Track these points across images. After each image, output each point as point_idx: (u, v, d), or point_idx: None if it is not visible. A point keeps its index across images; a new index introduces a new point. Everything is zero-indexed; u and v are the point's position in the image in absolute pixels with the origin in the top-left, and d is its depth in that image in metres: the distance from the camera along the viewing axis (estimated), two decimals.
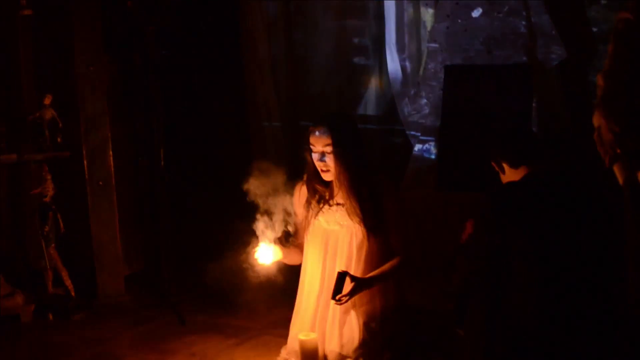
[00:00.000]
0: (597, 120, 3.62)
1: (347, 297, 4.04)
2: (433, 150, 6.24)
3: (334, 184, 4.29)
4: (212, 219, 6.00)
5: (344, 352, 4.14)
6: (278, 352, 4.43)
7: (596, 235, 3.97)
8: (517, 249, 3.92)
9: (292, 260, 4.40)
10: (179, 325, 5.12)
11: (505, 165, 4.10)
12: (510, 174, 4.10)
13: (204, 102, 6.63)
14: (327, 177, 4.23)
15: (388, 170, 5.61)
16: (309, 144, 4.20)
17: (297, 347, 4.16)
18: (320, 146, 4.15)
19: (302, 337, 4.07)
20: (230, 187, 5.69)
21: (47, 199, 5.34)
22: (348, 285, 4.05)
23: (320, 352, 4.16)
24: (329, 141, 4.12)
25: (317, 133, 4.16)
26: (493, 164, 4.17)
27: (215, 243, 5.59)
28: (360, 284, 4.08)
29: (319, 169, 4.21)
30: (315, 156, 4.19)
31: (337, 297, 4.04)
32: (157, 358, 4.64)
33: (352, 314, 4.19)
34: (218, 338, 4.89)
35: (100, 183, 5.54)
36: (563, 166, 4.40)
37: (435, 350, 4.41)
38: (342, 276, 4.05)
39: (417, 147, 6.34)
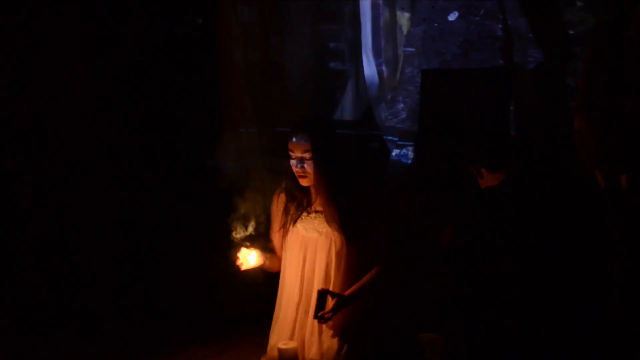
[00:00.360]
0: (577, 123, 3.61)
1: (329, 314, 4.00)
2: (411, 155, 6.20)
3: (313, 191, 4.25)
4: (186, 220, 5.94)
5: None
6: None
7: (576, 239, 3.97)
8: (498, 254, 3.91)
9: (271, 266, 4.34)
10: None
11: (483, 170, 4.08)
12: (488, 179, 4.09)
13: (177, 107, 6.56)
14: (305, 182, 4.17)
15: (365, 176, 5.56)
16: (287, 149, 4.15)
17: (276, 356, 4.09)
18: (299, 152, 4.09)
19: (281, 346, 4.01)
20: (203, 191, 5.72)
21: None
22: (330, 303, 4.01)
23: None
24: (307, 147, 4.08)
25: (295, 139, 4.11)
26: (471, 169, 4.16)
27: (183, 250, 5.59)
28: (342, 301, 4.04)
29: (297, 175, 4.15)
30: (293, 162, 4.13)
31: (319, 315, 3.99)
32: None
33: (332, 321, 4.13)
34: (197, 347, 4.81)
35: None
36: (541, 171, 4.38)
37: (417, 357, 4.39)
38: (322, 294, 4.01)
39: (395, 152, 6.31)
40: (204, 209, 5.59)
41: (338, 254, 4.18)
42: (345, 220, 4.16)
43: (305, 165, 4.10)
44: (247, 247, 4.19)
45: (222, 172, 5.76)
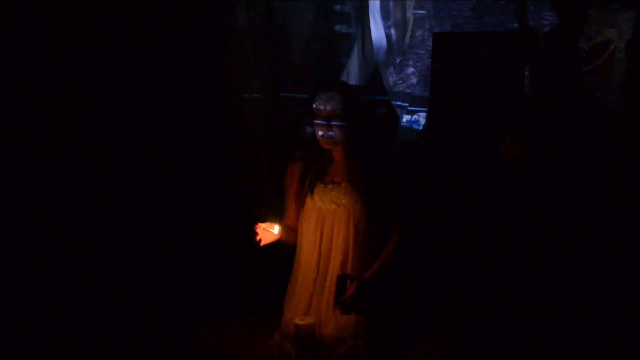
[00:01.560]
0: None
1: (350, 300, 3.86)
2: (422, 121, 6.07)
3: (330, 161, 4.13)
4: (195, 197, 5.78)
5: (343, 336, 3.96)
6: (271, 336, 4.23)
7: (605, 210, 3.84)
8: (522, 226, 3.78)
9: (288, 239, 4.19)
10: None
11: (507, 138, 3.93)
12: (512, 147, 3.94)
13: (179, 72, 6.37)
14: (328, 144, 4.04)
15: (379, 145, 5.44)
16: (310, 112, 4.03)
17: (292, 332, 3.95)
18: (327, 112, 3.98)
19: (298, 321, 3.86)
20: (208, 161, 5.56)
21: None
22: (350, 287, 3.88)
23: (317, 337, 3.95)
24: (337, 106, 3.97)
25: (324, 99, 4.00)
26: (493, 136, 4.00)
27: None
28: (362, 285, 3.91)
29: (322, 137, 4.02)
30: (318, 124, 4.00)
31: (339, 300, 3.86)
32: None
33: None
34: (207, 320, 4.67)
35: None
36: (566, 139, 4.22)
37: (435, 330, 4.27)
38: (342, 279, 3.90)
39: (405, 118, 6.17)
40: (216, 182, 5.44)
41: (356, 227, 4.05)
42: (367, 189, 4.02)
43: (333, 127, 3.98)
44: (265, 222, 4.04)
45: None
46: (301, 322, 3.85)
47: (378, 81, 6.42)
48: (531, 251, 3.83)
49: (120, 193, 5.24)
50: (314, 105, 4.02)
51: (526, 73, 5.64)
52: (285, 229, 4.11)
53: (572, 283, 3.86)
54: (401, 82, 6.25)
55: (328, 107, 3.98)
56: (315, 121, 4.02)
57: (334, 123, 3.98)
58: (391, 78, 6.30)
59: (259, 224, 4.00)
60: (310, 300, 4.11)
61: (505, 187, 3.90)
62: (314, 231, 4.13)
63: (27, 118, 4.97)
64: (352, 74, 6.80)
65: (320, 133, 4.02)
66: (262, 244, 4.01)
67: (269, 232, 4.02)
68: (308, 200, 4.14)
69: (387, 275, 4.05)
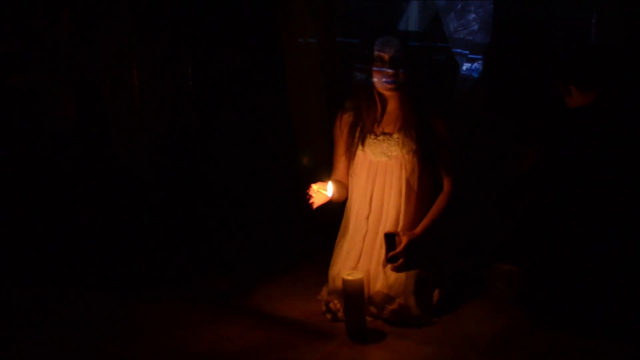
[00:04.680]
0: None
1: (401, 255, 3.75)
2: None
3: (385, 108, 4.00)
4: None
5: (392, 293, 3.86)
6: (318, 291, 4.13)
7: None
8: (587, 181, 3.59)
9: (339, 196, 4.07)
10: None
11: (572, 88, 3.72)
12: (578, 98, 3.74)
13: (232, 20, 6.21)
14: (391, 90, 3.92)
15: (434, 92, 5.27)
16: (365, 58, 3.90)
17: (340, 287, 3.82)
18: (391, 52, 3.85)
19: (346, 276, 3.72)
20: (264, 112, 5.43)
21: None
22: (400, 243, 3.77)
23: (365, 294, 3.81)
24: (399, 49, 3.85)
25: (385, 41, 3.87)
26: (558, 85, 3.80)
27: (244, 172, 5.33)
28: (413, 240, 3.79)
29: (384, 82, 3.88)
30: (379, 69, 3.86)
31: (389, 256, 3.76)
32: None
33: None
34: (249, 275, 4.59)
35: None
36: (635, 90, 3.99)
37: (489, 286, 4.17)
38: (390, 237, 3.79)
39: (465, 66, 5.95)
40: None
41: (407, 181, 3.94)
42: (420, 140, 3.90)
43: (396, 71, 3.85)
44: (317, 182, 3.93)
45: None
46: (349, 278, 3.71)
47: (438, 27, 6.19)
48: (595, 208, 3.63)
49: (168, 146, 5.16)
50: (374, 48, 3.87)
51: (593, 21, 5.39)
52: (335, 184, 3.96)
53: (636, 244, 3.67)
54: (462, 28, 6.02)
55: (390, 51, 3.85)
56: (375, 67, 3.87)
57: (397, 66, 3.84)
58: (451, 24, 6.07)
59: (312, 186, 3.87)
60: (360, 255, 4.01)
61: (570, 139, 3.69)
62: (365, 185, 4.01)
63: None
64: (411, 19, 6.58)
65: (380, 79, 3.88)
66: (315, 206, 3.91)
67: (322, 193, 3.89)
68: (358, 152, 4.02)
69: (439, 229, 3.91)
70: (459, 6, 6.06)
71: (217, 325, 3.97)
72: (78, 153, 5.07)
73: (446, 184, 4.00)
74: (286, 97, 5.64)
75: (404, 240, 3.78)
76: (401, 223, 3.94)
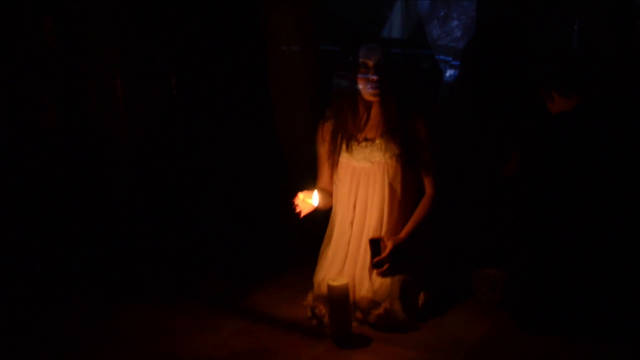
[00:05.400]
0: None
1: (386, 260, 3.81)
2: None
3: (367, 114, 4.01)
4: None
5: (377, 298, 3.86)
6: (304, 297, 4.13)
7: None
8: (571, 186, 3.61)
9: (324, 204, 4.09)
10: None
11: (554, 94, 3.75)
12: (560, 103, 3.77)
13: (216, 27, 6.21)
14: (374, 97, 3.94)
15: (420, 99, 5.29)
16: (348, 65, 3.93)
17: (325, 292, 3.83)
18: (375, 59, 3.89)
19: (331, 282, 3.73)
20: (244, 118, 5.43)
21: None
22: (386, 248, 3.83)
23: (351, 299, 3.82)
24: (382, 56, 3.89)
25: (369, 48, 3.91)
26: (541, 92, 3.82)
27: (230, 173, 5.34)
28: (397, 245, 3.85)
29: (368, 89, 3.92)
30: (363, 76, 3.90)
31: (374, 262, 3.82)
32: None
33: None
34: (236, 280, 4.60)
35: None
36: (617, 95, 4.02)
37: (474, 290, 4.19)
38: (374, 242, 3.85)
39: (449, 72, 5.98)
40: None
41: (390, 185, 3.97)
42: (403, 145, 3.93)
43: (378, 78, 3.89)
44: (303, 190, 3.95)
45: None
46: (334, 283, 3.72)
47: (421, 35, 6.22)
48: (579, 212, 3.66)
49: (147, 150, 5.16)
50: (359, 58, 3.91)
51: (575, 27, 5.43)
52: (320, 192, 3.98)
53: (621, 245, 3.69)
54: (445, 35, 6.05)
55: (374, 58, 3.88)
56: (360, 74, 3.91)
57: (380, 74, 3.88)
58: (435, 31, 6.10)
59: (298, 195, 3.89)
60: (345, 261, 4.03)
61: (552, 144, 3.72)
62: (349, 191, 4.04)
63: None
64: (395, 26, 6.60)
65: (365, 86, 3.92)
66: (302, 215, 3.91)
67: (308, 202, 3.91)
68: (342, 159, 4.05)
69: (423, 233, 3.94)
70: (441, 13, 6.08)
71: (202, 331, 3.97)
72: (64, 159, 5.06)
73: (429, 187, 4.03)
74: (270, 103, 5.66)
75: (388, 245, 3.81)
76: (384, 228, 3.97)
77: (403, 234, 3.91)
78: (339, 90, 3.99)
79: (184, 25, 5.33)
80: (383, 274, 3.82)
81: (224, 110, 5.55)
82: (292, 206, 3.86)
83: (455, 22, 5.99)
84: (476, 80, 5.50)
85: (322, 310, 3.91)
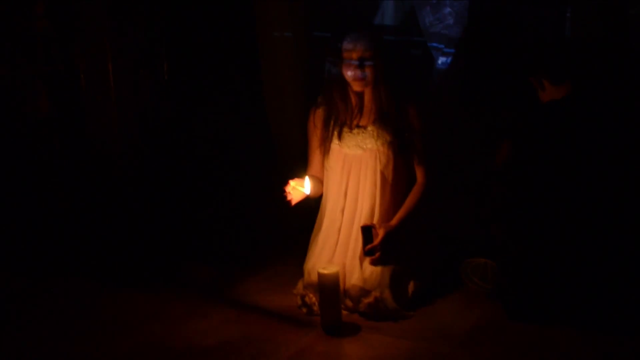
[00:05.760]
0: None
1: (378, 247, 3.79)
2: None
3: (359, 101, 4.00)
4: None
5: (368, 287, 3.85)
6: (294, 285, 4.13)
7: None
8: (562, 174, 3.61)
9: (315, 192, 4.08)
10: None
11: (545, 82, 3.74)
12: (551, 92, 3.76)
13: (208, 13, 6.18)
14: (360, 86, 3.92)
15: (412, 86, 5.27)
16: (337, 53, 3.92)
17: (315, 281, 3.83)
18: (358, 53, 3.85)
19: (321, 270, 3.72)
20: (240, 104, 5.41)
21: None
22: (377, 236, 3.81)
23: (341, 287, 3.83)
24: (369, 46, 3.84)
25: (354, 39, 3.87)
26: (532, 79, 3.81)
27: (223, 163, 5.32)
28: (389, 232, 3.83)
29: (353, 79, 3.90)
30: (349, 65, 3.87)
31: (367, 249, 3.80)
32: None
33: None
34: (227, 269, 4.59)
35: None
36: (609, 82, 4.01)
37: (464, 280, 4.21)
38: (366, 230, 3.82)
39: (441, 60, 5.97)
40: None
41: (382, 173, 3.96)
42: (394, 133, 3.93)
43: (365, 67, 3.86)
44: (294, 178, 3.95)
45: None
46: (324, 271, 3.72)
47: (413, 21, 6.20)
48: (570, 201, 3.66)
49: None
50: (343, 47, 3.89)
51: (567, 14, 5.42)
52: (312, 179, 3.97)
53: (610, 235, 3.69)
54: (437, 22, 6.03)
55: (359, 48, 3.85)
56: (345, 62, 3.88)
57: (366, 64, 3.85)
58: (427, 18, 6.08)
59: (289, 183, 3.88)
60: (335, 249, 4.02)
61: (543, 132, 3.71)
62: (340, 178, 4.04)
63: None
64: (387, 13, 6.59)
65: (350, 74, 3.89)
66: (293, 203, 3.92)
67: (300, 190, 3.90)
68: (333, 146, 4.04)
69: (414, 221, 3.95)
70: (434, 0, 6.07)
71: (193, 319, 3.97)
72: (54, 144, 5.04)
73: (420, 175, 4.02)
74: (262, 89, 5.63)
75: (380, 232, 3.80)
76: (376, 215, 3.96)
77: (395, 221, 3.90)
78: (330, 78, 3.98)
79: (176, 10, 5.30)
80: (374, 262, 3.81)
81: (216, 96, 5.53)
82: (283, 194, 3.85)
83: (448, 9, 5.98)
84: (471, 69, 5.50)
85: (312, 298, 3.92)
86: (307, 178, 3.92)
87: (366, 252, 3.81)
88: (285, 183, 3.87)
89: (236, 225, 5.11)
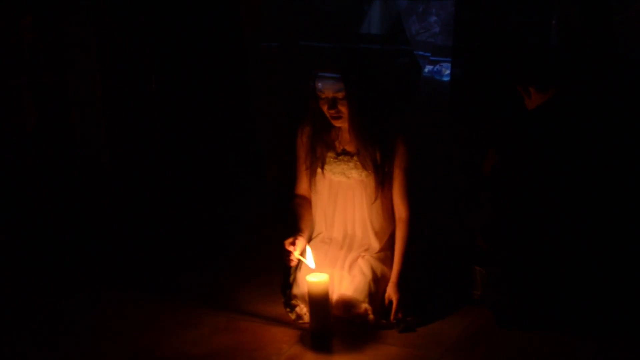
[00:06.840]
0: None
1: (400, 309, 3.83)
2: (445, 71, 5.90)
3: (344, 132, 3.95)
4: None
5: (357, 296, 3.83)
6: (284, 294, 4.12)
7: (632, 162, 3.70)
8: (548, 180, 3.63)
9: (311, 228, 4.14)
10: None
11: (531, 90, 3.77)
12: (536, 98, 3.79)
13: (195, 22, 6.20)
14: (339, 123, 3.86)
15: (394, 93, 5.28)
16: (313, 89, 3.80)
17: (305, 290, 3.83)
18: (331, 92, 3.75)
19: (311, 279, 3.73)
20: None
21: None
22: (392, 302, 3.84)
23: (330, 296, 3.82)
24: (341, 86, 3.72)
25: (327, 78, 3.75)
26: (519, 88, 3.84)
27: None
28: (396, 290, 3.86)
29: (330, 117, 3.83)
30: (323, 103, 3.80)
31: (394, 321, 3.83)
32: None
33: (364, 257, 3.94)
34: (218, 277, 4.57)
35: None
36: (592, 88, 4.05)
37: (453, 289, 4.20)
38: None
39: (427, 68, 6.01)
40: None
41: (370, 199, 3.95)
42: (377, 166, 3.89)
43: (339, 106, 3.77)
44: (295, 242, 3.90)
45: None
46: (314, 280, 3.72)
47: (400, 30, 6.23)
48: (557, 207, 3.68)
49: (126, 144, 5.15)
50: (316, 86, 3.78)
51: (553, 22, 5.46)
52: (310, 247, 3.93)
53: (601, 242, 3.72)
54: (424, 31, 6.09)
55: (328, 92, 3.76)
56: (321, 100, 3.81)
57: (339, 102, 3.76)
58: (413, 27, 6.13)
59: (293, 253, 3.85)
60: (325, 259, 3.98)
61: (528, 138, 3.74)
62: (327, 201, 4.04)
63: None
64: (374, 22, 6.62)
65: (327, 112, 3.82)
66: (291, 264, 3.93)
67: (304, 261, 3.89)
68: (319, 170, 4.01)
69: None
70: (420, 9, 6.11)
71: (183, 328, 3.97)
72: (42, 154, 5.05)
73: (402, 210, 3.95)
74: (250, 98, 5.66)
75: (393, 299, 3.83)
76: (371, 235, 3.99)
77: (394, 277, 3.88)
78: (313, 110, 3.91)
79: (164, 20, 5.32)
80: (405, 329, 3.81)
81: (205, 104, 5.55)
82: (285, 260, 3.88)
83: (434, 18, 6.02)
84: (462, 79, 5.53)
85: (302, 308, 3.91)
86: (308, 249, 3.89)
87: (397, 324, 3.81)
88: (287, 250, 3.87)
89: (224, 233, 5.12)
